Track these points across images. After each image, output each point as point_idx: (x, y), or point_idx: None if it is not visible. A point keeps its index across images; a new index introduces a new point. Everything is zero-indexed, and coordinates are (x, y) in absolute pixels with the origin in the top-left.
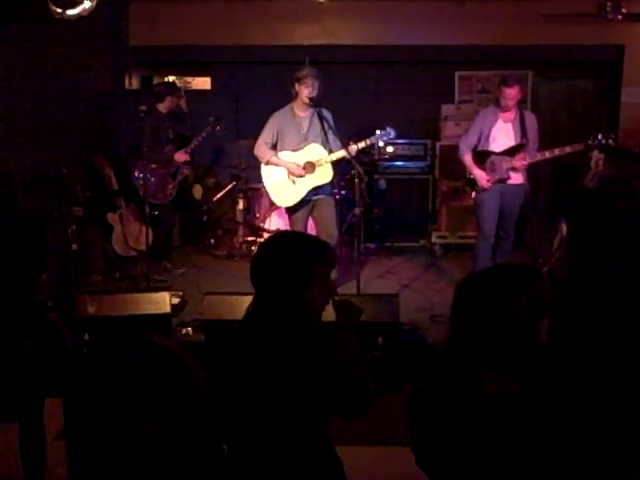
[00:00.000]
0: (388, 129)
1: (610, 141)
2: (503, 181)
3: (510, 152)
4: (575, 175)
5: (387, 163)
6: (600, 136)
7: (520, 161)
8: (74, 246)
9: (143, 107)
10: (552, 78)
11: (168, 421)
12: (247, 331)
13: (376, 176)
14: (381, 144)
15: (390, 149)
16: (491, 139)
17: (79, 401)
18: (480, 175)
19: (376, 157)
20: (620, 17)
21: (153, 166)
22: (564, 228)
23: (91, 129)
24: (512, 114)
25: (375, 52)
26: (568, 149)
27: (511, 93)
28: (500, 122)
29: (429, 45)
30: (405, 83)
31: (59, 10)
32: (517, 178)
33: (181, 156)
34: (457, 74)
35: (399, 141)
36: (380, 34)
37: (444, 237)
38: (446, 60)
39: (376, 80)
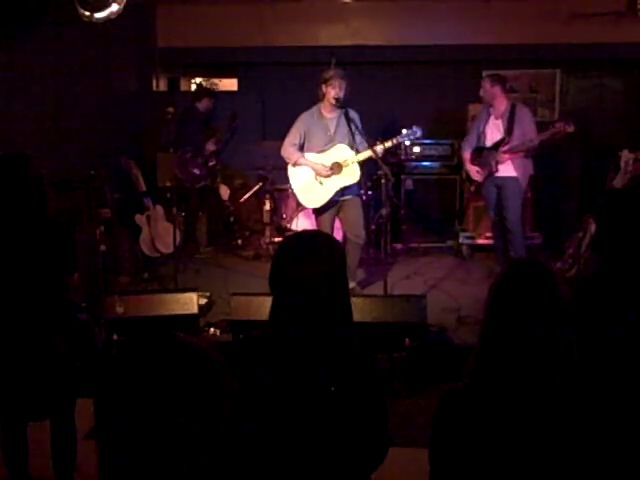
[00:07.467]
0: (414, 128)
1: (569, 127)
2: (492, 174)
3: (496, 146)
4: (605, 176)
5: (414, 163)
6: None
7: (502, 154)
8: (102, 247)
9: (171, 109)
10: (581, 77)
11: (196, 419)
12: (291, 336)
13: (403, 177)
14: (407, 144)
15: (417, 149)
16: (484, 136)
17: (109, 400)
18: (470, 169)
19: (403, 157)
20: None
21: (188, 155)
22: (593, 228)
23: (119, 131)
24: (501, 109)
25: (401, 52)
26: (543, 137)
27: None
28: (492, 119)
29: (455, 44)
30: (431, 83)
31: (87, 13)
32: (507, 171)
33: (211, 146)
34: (484, 73)
35: (426, 141)
36: (406, 34)
37: (471, 238)
38: (473, 59)
39: (402, 80)
